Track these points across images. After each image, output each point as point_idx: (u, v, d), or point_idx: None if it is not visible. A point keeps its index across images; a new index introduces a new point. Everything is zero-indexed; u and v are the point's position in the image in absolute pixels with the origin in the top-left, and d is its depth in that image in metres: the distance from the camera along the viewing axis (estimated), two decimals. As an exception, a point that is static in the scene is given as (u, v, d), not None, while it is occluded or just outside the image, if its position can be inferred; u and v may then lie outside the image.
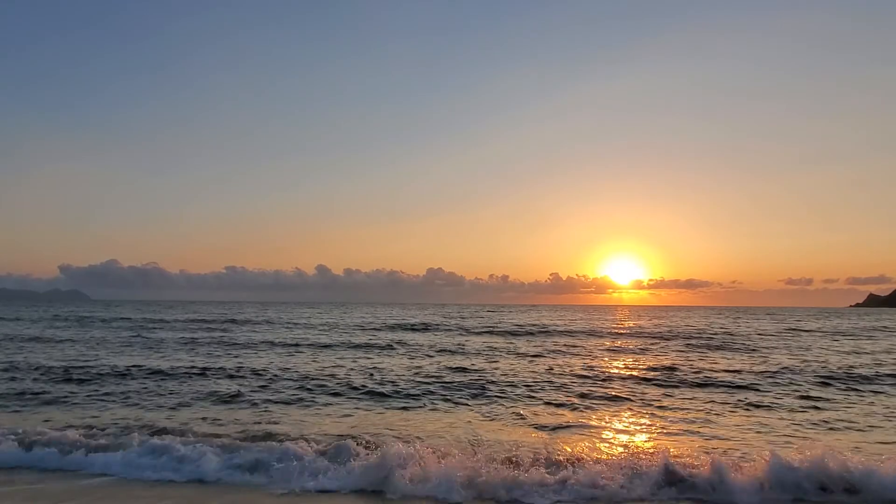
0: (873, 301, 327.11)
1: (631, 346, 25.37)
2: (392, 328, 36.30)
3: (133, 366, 16.45)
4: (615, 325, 44.07)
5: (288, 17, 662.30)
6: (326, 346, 23.80)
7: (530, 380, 14.92)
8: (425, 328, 36.24)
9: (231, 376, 15.03)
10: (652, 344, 26.61)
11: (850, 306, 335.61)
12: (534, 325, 41.06)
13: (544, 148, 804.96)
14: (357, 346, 23.85)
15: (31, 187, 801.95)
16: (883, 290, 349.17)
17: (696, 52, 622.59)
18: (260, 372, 15.75)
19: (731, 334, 32.47)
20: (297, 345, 24.24)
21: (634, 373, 16.44)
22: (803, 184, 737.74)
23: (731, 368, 17.33)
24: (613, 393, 13.06)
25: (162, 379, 14.39)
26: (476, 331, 34.41)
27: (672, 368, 17.18)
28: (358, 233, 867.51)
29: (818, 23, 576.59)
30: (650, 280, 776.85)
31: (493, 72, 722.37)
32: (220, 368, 16.30)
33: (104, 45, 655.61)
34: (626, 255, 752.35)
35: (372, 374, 15.70)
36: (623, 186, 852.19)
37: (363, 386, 13.59)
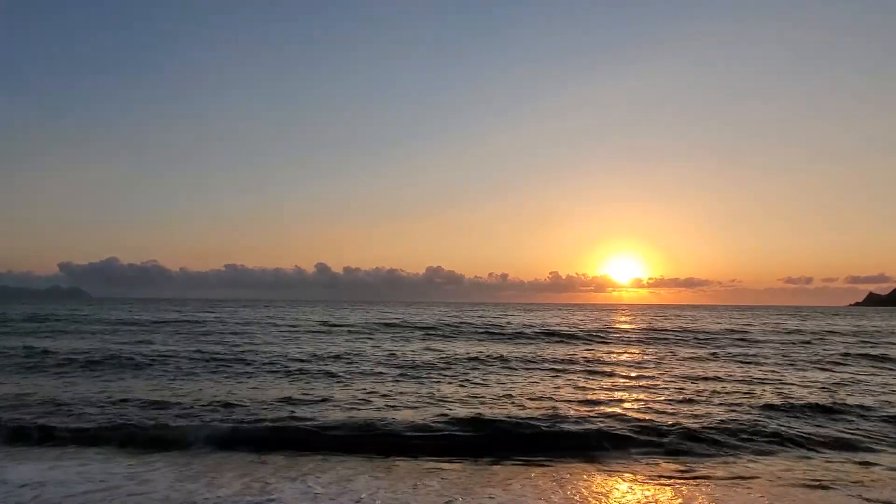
0: (873, 300, 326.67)
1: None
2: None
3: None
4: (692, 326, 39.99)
5: (287, 17, 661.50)
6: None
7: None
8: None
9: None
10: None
11: (850, 305, 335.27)
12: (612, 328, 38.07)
13: (544, 147, 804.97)
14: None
15: (32, 185, 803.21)
16: (883, 288, 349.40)
17: (696, 53, 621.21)
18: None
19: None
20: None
21: None
22: (803, 183, 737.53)
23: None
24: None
25: None
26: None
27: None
28: (358, 231, 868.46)
29: (819, 24, 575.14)
30: (650, 279, 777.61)
31: (493, 72, 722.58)
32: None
33: (105, 44, 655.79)
34: (625, 253, 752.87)
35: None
36: (623, 185, 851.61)
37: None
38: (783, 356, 21.61)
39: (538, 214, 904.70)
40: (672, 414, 10.79)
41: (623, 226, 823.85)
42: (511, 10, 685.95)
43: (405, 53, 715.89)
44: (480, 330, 34.00)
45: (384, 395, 12.43)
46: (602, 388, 13.96)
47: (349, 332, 32.08)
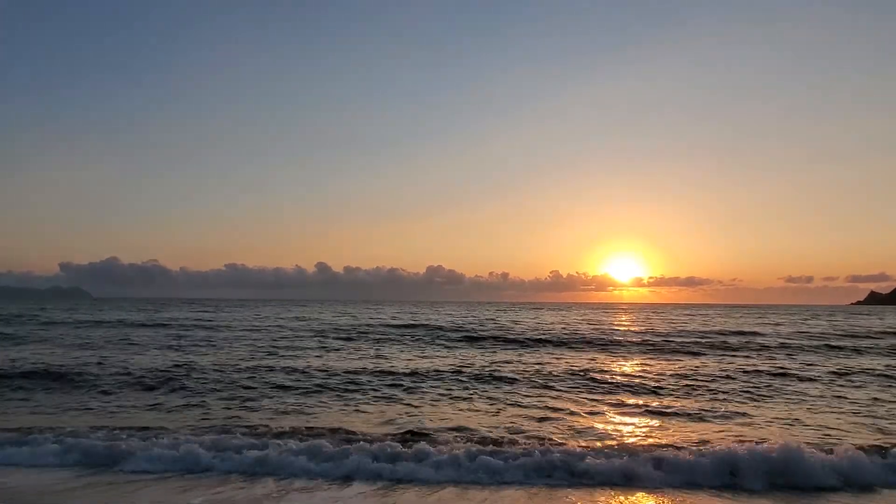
0: (874, 299, 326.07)
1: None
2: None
3: None
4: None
5: (287, 17, 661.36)
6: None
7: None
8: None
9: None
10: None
11: (851, 304, 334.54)
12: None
13: (544, 147, 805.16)
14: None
15: (32, 185, 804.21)
16: (883, 287, 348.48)
17: (696, 53, 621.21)
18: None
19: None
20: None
21: None
22: (803, 183, 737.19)
23: None
24: None
25: None
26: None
27: None
28: (358, 231, 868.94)
29: (819, 24, 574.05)
30: (650, 277, 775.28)
31: (493, 72, 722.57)
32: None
33: (105, 44, 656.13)
34: (626, 252, 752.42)
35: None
36: (623, 185, 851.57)
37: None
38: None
39: (538, 214, 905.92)
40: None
41: (623, 225, 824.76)
42: (511, 10, 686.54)
43: (405, 53, 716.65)
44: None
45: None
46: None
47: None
